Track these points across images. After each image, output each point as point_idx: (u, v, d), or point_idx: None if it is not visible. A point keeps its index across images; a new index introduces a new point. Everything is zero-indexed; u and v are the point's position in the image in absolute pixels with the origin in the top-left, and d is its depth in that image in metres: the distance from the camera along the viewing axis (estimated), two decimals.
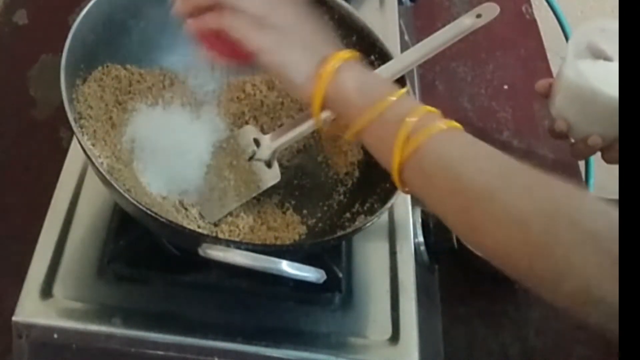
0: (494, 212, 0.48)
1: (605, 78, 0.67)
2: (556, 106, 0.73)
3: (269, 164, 0.68)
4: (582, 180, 0.95)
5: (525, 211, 0.47)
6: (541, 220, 0.46)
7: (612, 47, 0.70)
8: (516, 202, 0.47)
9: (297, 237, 0.67)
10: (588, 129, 0.70)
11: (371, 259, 0.69)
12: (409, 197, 0.73)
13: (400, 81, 0.68)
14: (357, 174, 0.71)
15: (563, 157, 0.93)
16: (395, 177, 0.53)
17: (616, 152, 0.70)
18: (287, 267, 0.53)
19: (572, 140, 0.73)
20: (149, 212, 0.55)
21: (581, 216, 0.46)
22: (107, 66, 0.67)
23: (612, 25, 0.71)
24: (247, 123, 0.73)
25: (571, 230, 0.46)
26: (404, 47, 0.87)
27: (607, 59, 0.69)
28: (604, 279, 0.45)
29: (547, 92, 0.74)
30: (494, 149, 0.50)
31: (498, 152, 0.50)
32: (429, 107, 0.53)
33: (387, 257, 0.69)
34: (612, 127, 0.68)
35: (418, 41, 0.67)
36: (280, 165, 0.70)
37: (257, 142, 0.68)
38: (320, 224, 0.69)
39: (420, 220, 0.73)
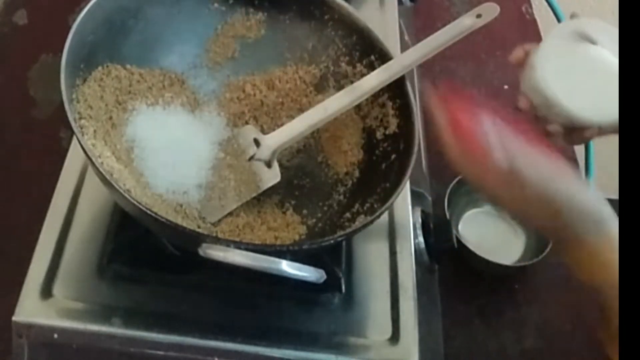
0: None
1: (571, 92, 0.66)
2: (524, 84, 0.70)
3: (269, 164, 0.68)
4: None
5: None
6: None
7: (598, 33, 0.68)
8: None
9: (297, 237, 0.67)
10: (552, 111, 0.68)
11: (371, 259, 0.69)
12: (409, 197, 0.73)
13: (400, 81, 0.68)
14: (357, 174, 0.71)
15: (563, 157, 0.93)
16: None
17: (576, 138, 0.69)
18: (287, 267, 0.53)
19: (535, 117, 0.71)
20: (149, 212, 0.55)
21: None
22: (107, 66, 0.67)
23: (600, 21, 0.70)
24: (247, 123, 0.73)
25: None
26: (404, 47, 0.87)
27: (592, 42, 0.68)
28: None
29: (522, 62, 0.70)
30: None
31: None
32: None
33: (387, 257, 0.69)
34: (570, 122, 0.67)
35: (418, 41, 0.67)
36: (280, 165, 0.70)
37: (257, 142, 0.68)
38: (320, 224, 0.69)
39: (420, 220, 0.73)
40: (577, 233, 0.54)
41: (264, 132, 0.71)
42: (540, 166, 0.56)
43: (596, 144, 0.96)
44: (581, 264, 0.54)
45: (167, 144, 0.67)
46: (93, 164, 0.56)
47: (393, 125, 0.69)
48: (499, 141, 0.56)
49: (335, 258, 0.67)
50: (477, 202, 0.87)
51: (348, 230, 0.62)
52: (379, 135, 0.70)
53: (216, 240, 0.55)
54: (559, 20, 1.01)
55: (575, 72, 0.67)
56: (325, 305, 0.65)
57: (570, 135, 0.68)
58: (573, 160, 0.94)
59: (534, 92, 0.68)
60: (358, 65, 0.72)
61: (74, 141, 0.72)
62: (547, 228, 0.58)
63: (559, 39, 0.68)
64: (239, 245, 0.55)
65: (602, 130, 0.67)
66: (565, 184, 0.56)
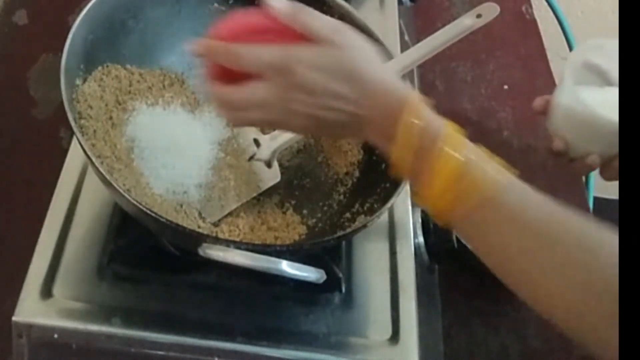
0: (552, 261, 0.48)
1: (602, 101, 0.68)
2: (554, 125, 0.73)
3: (269, 164, 0.68)
4: (583, 182, 0.95)
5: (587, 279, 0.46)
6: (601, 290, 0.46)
7: (606, 61, 0.71)
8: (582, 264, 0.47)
9: (297, 237, 0.67)
10: (586, 148, 0.71)
11: (371, 259, 0.69)
12: (408, 197, 0.73)
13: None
14: (357, 174, 0.71)
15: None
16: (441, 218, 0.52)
17: (614, 169, 0.70)
18: (287, 267, 0.53)
19: (571, 158, 0.73)
20: (149, 212, 0.55)
21: None
22: (107, 66, 0.67)
23: (609, 43, 0.71)
24: None
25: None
26: (404, 47, 0.87)
27: (601, 73, 0.70)
28: None
29: (545, 110, 0.74)
30: (554, 204, 0.49)
31: (561, 208, 0.49)
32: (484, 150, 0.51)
33: (387, 257, 0.69)
34: (610, 146, 0.69)
35: (418, 41, 0.67)
36: (280, 165, 0.70)
37: (257, 142, 0.68)
38: (320, 224, 0.69)
39: (420, 220, 0.73)
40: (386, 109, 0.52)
41: (264, 132, 0.71)
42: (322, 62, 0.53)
43: None
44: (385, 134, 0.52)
45: (167, 144, 0.67)
46: (93, 164, 0.56)
47: None
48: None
49: (335, 258, 0.67)
50: None
51: (348, 230, 0.62)
52: None
53: (216, 240, 0.55)
54: (559, 20, 1.01)
55: (602, 93, 0.70)
56: (325, 305, 0.65)
57: (608, 166, 0.70)
58: None
59: (568, 124, 0.71)
60: None
61: (74, 141, 0.72)
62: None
63: (575, 75, 0.71)
64: (239, 245, 0.55)
65: None
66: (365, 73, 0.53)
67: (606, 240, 0.47)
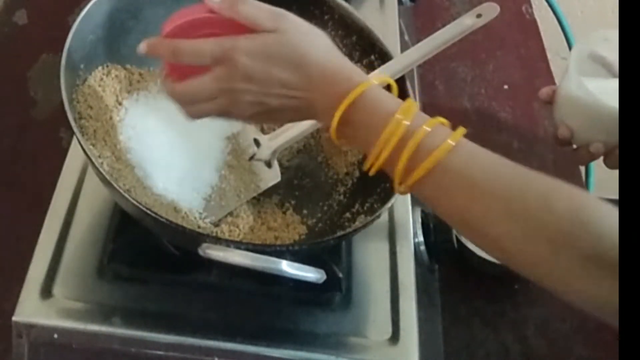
0: (511, 223, 0.48)
1: (606, 90, 0.69)
2: (559, 114, 0.74)
3: (269, 164, 0.68)
4: (582, 180, 0.95)
5: (543, 221, 0.47)
6: (556, 230, 0.47)
7: (613, 54, 0.72)
8: (534, 212, 0.47)
9: (297, 237, 0.67)
10: (591, 136, 0.71)
11: (371, 259, 0.69)
12: (409, 197, 0.73)
13: (400, 81, 0.68)
14: (357, 174, 0.71)
15: (563, 157, 0.93)
16: (398, 186, 0.52)
17: (617, 157, 0.71)
18: (287, 267, 0.53)
19: (575, 147, 0.74)
20: (149, 212, 0.55)
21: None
22: (107, 66, 0.67)
23: (615, 35, 0.72)
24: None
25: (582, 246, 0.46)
26: (404, 47, 0.87)
27: (607, 65, 0.71)
28: (609, 295, 0.45)
29: (550, 99, 0.75)
30: (505, 160, 0.50)
31: (510, 163, 0.50)
32: (439, 119, 0.52)
33: (387, 257, 0.69)
34: (614, 134, 0.69)
35: (418, 41, 0.67)
36: (280, 165, 0.70)
37: (257, 142, 0.68)
38: (320, 224, 0.69)
39: (420, 220, 0.73)
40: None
41: (264, 132, 0.71)
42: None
43: None
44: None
45: (167, 144, 0.67)
46: (93, 164, 0.56)
47: None
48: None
49: (335, 258, 0.67)
50: None
51: (348, 230, 0.62)
52: None
53: (216, 240, 0.55)
54: (559, 20, 1.01)
55: (607, 83, 0.71)
56: (325, 305, 0.65)
57: (611, 154, 0.70)
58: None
59: (573, 113, 0.72)
60: (358, 65, 0.72)
61: (74, 141, 0.72)
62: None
63: (580, 66, 0.72)
64: (239, 245, 0.55)
65: None
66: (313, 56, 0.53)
67: (556, 187, 0.48)
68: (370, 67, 0.71)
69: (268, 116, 0.56)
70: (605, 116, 0.68)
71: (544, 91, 0.75)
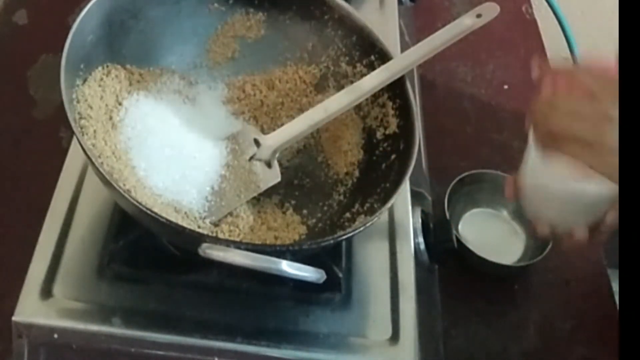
0: None
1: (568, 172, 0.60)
2: (531, 209, 0.66)
3: (269, 164, 0.68)
4: None
5: None
6: None
7: None
8: None
9: (297, 237, 0.67)
10: (573, 222, 0.64)
11: (371, 259, 0.69)
12: (408, 197, 0.73)
13: (400, 81, 0.68)
14: (357, 174, 0.71)
15: None
16: None
17: (603, 232, 0.63)
18: (287, 267, 0.53)
19: (555, 236, 0.68)
20: (149, 212, 0.55)
21: None
22: (107, 66, 0.67)
23: None
24: (247, 123, 0.73)
25: None
26: (404, 47, 0.87)
27: None
28: None
29: (517, 195, 0.66)
30: None
31: None
32: None
33: (387, 257, 0.69)
34: (598, 213, 0.63)
35: (418, 41, 0.67)
36: (280, 165, 0.70)
37: (257, 142, 0.68)
38: (320, 224, 0.69)
39: (420, 220, 0.73)
40: None
41: (264, 132, 0.71)
42: None
43: None
44: None
45: (167, 144, 0.67)
46: (93, 164, 0.56)
47: (393, 125, 0.69)
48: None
49: (335, 258, 0.67)
50: (477, 202, 0.87)
51: (348, 230, 0.62)
52: (379, 135, 0.70)
53: (216, 240, 0.55)
54: (559, 20, 1.01)
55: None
56: (325, 305, 0.65)
57: (596, 230, 0.63)
58: None
59: (547, 204, 0.64)
60: (358, 65, 0.72)
61: (74, 141, 0.72)
62: None
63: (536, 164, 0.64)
64: (239, 245, 0.55)
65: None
66: None
67: None
68: (370, 67, 0.71)
69: None
70: (585, 198, 0.61)
71: (509, 191, 0.67)
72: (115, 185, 0.56)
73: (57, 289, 0.63)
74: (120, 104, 0.68)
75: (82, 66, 0.64)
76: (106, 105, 0.66)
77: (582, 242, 0.64)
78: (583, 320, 0.80)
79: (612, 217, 0.61)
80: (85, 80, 0.65)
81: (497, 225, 0.87)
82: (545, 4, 1.02)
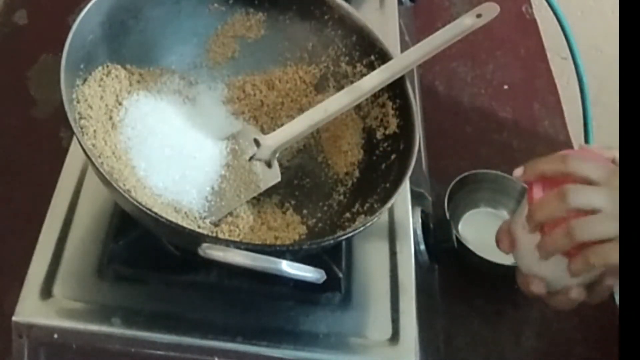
0: None
1: None
2: (525, 264, 0.63)
3: (269, 164, 0.68)
4: None
5: None
6: None
7: None
8: None
9: (297, 237, 0.67)
10: (568, 281, 0.60)
11: (371, 259, 0.69)
12: (409, 197, 0.73)
13: (400, 81, 0.68)
14: (357, 174, 0.71)
15: None
16: None
17: (599, 286, 0.61)
18: (287, 267, 0.53)
19: (551, 294, 0.63)
20: (149, 212, 0.55)
21: None
22: (107, 66, 0.67)
23: None
24: (247, 123, 0.73)
25: None
26: (404, 47, 0.87)
27: None
28: None
29: (513, 246, 0.64)
30: None
31: None
32: None
33: (387, 257, 0.69)
34: (591, 274, 0.59)
35: (418, 41, 0.67)
36: (280, 165, 0.70)
37: (257, 142, 0.68)
38: (320, 224, 0.69)
39: (420, 220, 0.73)
40: None
41: (264, 132, 0.71)
42: None
43: (596, 140, 0.96)
44: None
45: (167, 144, 0.67)
46: (93, 164, 0.56)
47: (393, 125, 0.69)
48: None
49: (335, 258, 0.67)
50: (477, 202, 0.87)
51: (348, 230, 0.62)
52: (379, 135, 0.70)
53: (216, 240, 0.55)
54: (559, 20, 1.01)
55: None
56: (325, 305, 0.65)
57: (592, 290, 0.61)
58: None
59: (538, 264, 0.61)
60: (358, 65, 0.72)
61: (74, 141, 0.72)
62: None
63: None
64: (239, 245, 0.55)
65: None
66: None
67: None
68: (370, 67, 0.71)
69: None
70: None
71: (504, 243, 0.65)
72: (115, 185, 0.56)
73: (57, 289, 0.63)
74: (120, 104, 0.68)
75: (82, 66, 0.64)
76: (106, 105, 0.66)
77: (579, 299, 0.61)
78: (583, 320, 0.80)
79: (611, 281, 0.60)
80: (85, 80, 0.65)
81: (497, 225, 0.86)
82: (545, 4, 1.02)
